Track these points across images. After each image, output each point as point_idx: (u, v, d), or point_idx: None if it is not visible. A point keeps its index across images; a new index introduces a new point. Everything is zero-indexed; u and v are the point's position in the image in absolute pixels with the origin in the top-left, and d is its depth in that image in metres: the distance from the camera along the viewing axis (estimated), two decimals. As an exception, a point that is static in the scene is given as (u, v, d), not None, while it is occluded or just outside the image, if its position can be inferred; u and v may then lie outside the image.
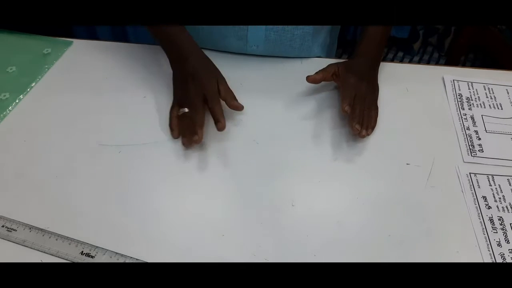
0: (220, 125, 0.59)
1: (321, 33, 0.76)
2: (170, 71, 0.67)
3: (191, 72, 0.62)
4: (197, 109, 0.60)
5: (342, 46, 1.95)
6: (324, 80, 0.67)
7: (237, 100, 0.63)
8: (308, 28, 0.72)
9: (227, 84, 0.64)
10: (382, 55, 0.71)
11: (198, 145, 0.61)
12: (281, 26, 0.70)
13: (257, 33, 0.71)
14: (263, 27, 0.70)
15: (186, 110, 0.61)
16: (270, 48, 0.73)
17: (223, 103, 0.62)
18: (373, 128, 0.63)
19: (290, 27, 0.71)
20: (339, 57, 0.76)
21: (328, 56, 0.80)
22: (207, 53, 0.66)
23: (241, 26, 0.70)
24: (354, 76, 0.64)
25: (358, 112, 0.61)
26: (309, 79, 0.66)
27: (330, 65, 0.67)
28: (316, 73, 0.66)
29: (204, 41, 0.74)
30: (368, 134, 0.62)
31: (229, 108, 0.63)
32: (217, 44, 0.74)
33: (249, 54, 0.73)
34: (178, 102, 0.64)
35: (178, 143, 0.62)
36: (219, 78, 0.64)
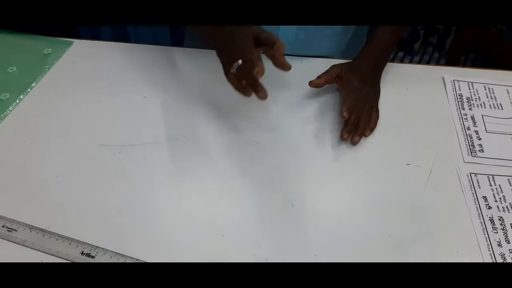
0: (279, 43, 0.56)
1: (349, 33, 0.77)
2: (170, 70, 0.67)
3: (233, 29, 0.57)
4: (249, 48, 0.55)
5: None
6: (327, 83, 0.66)
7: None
8: (337, 28, 0.72)
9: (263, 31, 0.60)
10: (388, 58, 0.71)
11: (198, 145, 0.61)
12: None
13: (288, 32, 0.71)
14: (294, 26, 0.70)
15: (240, 62, 0.55)
16: (300, 47, 0.73)
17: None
18: (372, 129, 0.63)
19: (320, 26, 0.71)
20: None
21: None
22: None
23: (273, 26, 0.69)
24: (356, 78, 0.64)
25: (352, 120, 0.61)
26: (311, 84, 0.65)
27: (332, 67, 0.67)
28: (319, 77, 0.66)
29: None
30: (366, 136, 0.62)
31: (228, 108, 0.63)
32: None
33: None
34: (228, 61, 0.58)
35: (178, 143, 0.62)
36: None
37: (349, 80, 0.65)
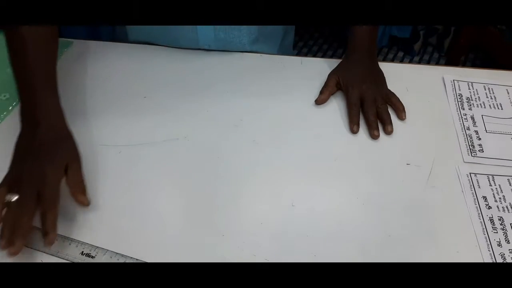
0: (47, 240, 0.46)
1: (269, 27, 0.76)
2: (170, 70, 0.67)
3: (36, 145, 0.50)
4: (27, 205, 0.47)
5: (343, 45, 1.95)
6: (331, 94, 0.68)
7: (85, 194, 0.51)
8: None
9: (79, 169, 0.52)
10: (376, 41, 0.72)
11: (198, 145, 0.61)
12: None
13: (206, 34, 0.71)
14: (212, 27, 0.70)
15: (15, 198, 0.47)
16: (220, 46, 0.74)
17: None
18: (403, 109, 0.65)
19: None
20: (339, 58, 0.76)
21: (283, 52, 0.80)
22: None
23: (191, 28, 0.70)
24: (355, 79, 0.66)
25: (372, 118, 0.63)
26: (318, 101, 0.67)
27: (330, 77, 0.68)
28: (322, 92, 0.67)
29: (160, 40, 0.75)
30: (402, 119, 0.64)
31: (228, 108, 0.63)
32: (173, 44, 0.75)
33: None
34: (8, 182, 0.49)
35: (178, 143, 0.62)
36: (71, 161, 0.51)
37: (348, 84, 0.66)
